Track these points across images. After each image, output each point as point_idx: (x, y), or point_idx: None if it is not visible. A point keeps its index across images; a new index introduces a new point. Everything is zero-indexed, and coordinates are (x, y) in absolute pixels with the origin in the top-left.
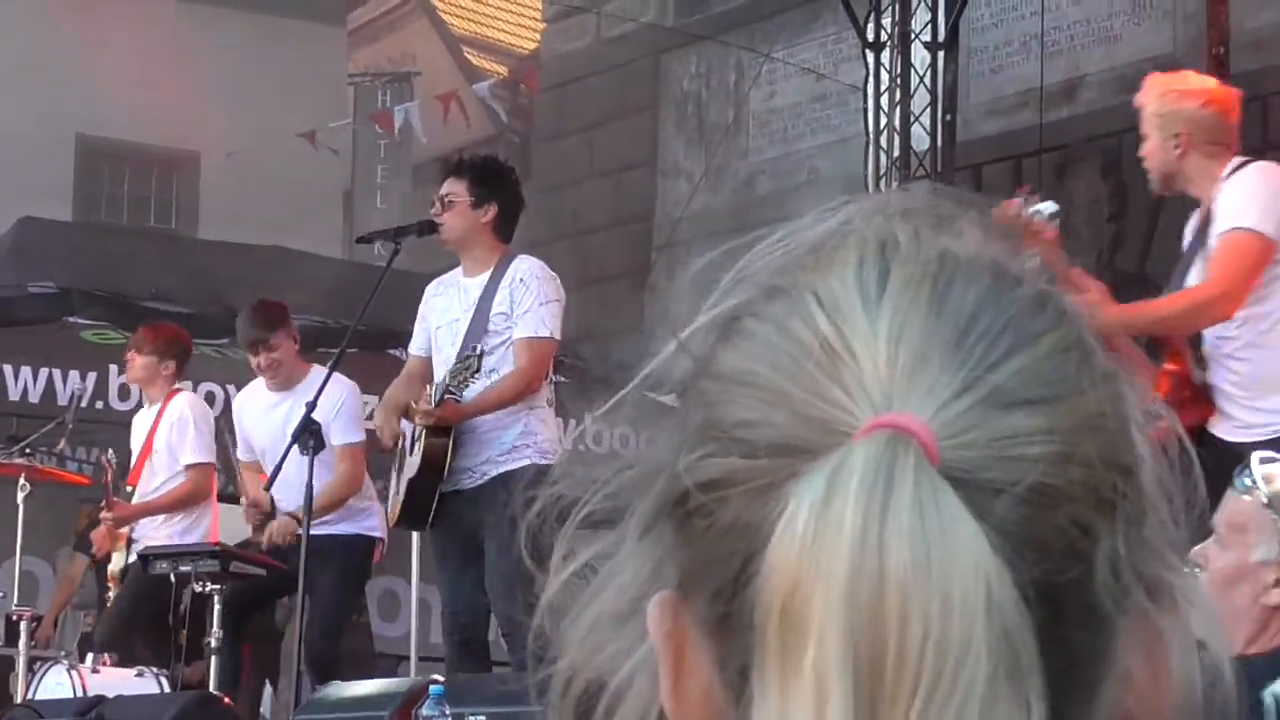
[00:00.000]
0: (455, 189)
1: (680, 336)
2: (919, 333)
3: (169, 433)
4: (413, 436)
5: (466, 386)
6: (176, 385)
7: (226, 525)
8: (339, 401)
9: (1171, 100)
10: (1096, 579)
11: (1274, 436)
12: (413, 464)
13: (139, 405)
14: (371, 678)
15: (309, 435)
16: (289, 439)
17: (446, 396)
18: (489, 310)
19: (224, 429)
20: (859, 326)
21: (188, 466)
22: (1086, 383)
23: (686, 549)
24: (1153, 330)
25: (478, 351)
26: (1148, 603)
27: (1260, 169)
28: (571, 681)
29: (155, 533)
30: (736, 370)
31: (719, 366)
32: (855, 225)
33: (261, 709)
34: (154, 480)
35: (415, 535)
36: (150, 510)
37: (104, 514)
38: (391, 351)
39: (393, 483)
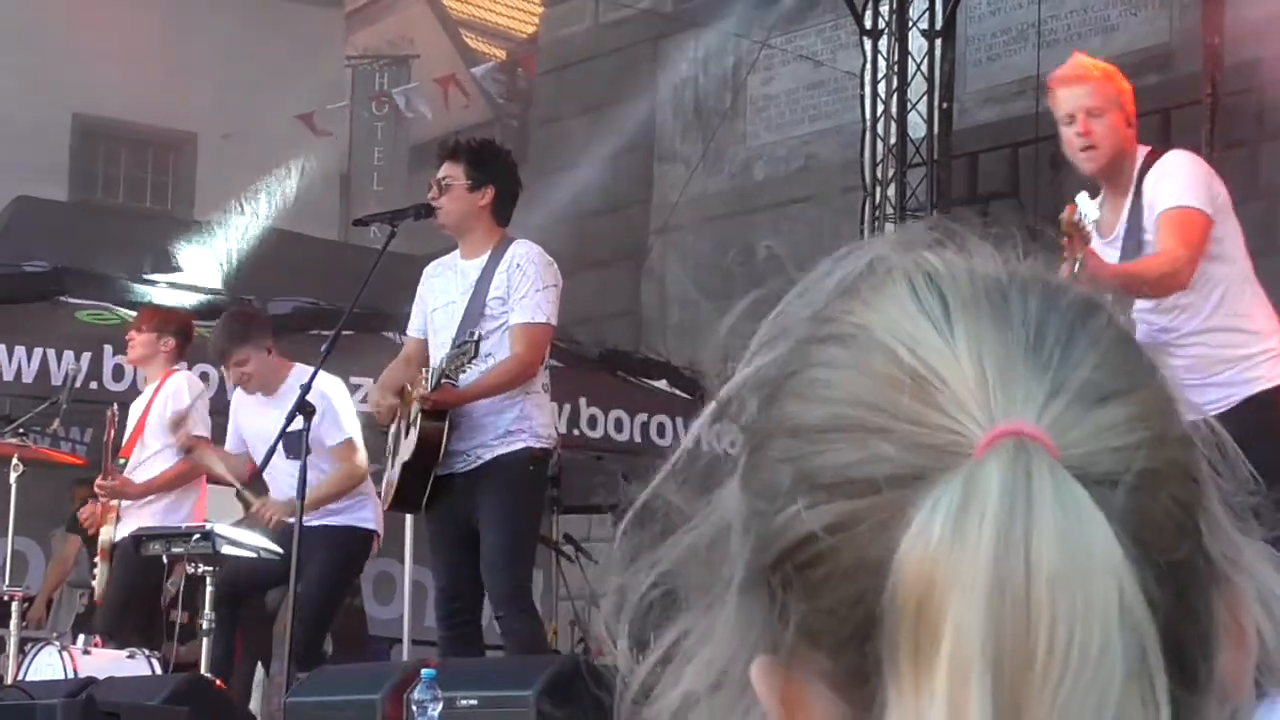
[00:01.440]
0: (452, 172)
1: (717, 402)
2: (997, 346)
3: (163, 406)
4: (408, 420)
5: (463, 371)
6: (176, 366)
7: (217, 507)
8: (324, 402)
9: (1119, 80)
10: (1205, 551)
11: (1228, 409)
12: (408, 447)
13: (133, 385)
14: (365, 660)
15: (308, 419)
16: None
17: (443, 381)
18: (486, 294)
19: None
20: (938, 351)
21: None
22: (1148, 368)
23: (803, 603)
24: (1121, 289)
25: (475, 337)
26: (1231, 567)
27: (1188, 156)
28: None
29: (140, 510)
30: (818, 420)
31: (791, 422)
32: (888, 261)
33: (253, 690)
34: (145, 452)
35: (409, 518)
36: (154, 488)
37: (100, 481)
38: (387, 334)
39: (387, 466)
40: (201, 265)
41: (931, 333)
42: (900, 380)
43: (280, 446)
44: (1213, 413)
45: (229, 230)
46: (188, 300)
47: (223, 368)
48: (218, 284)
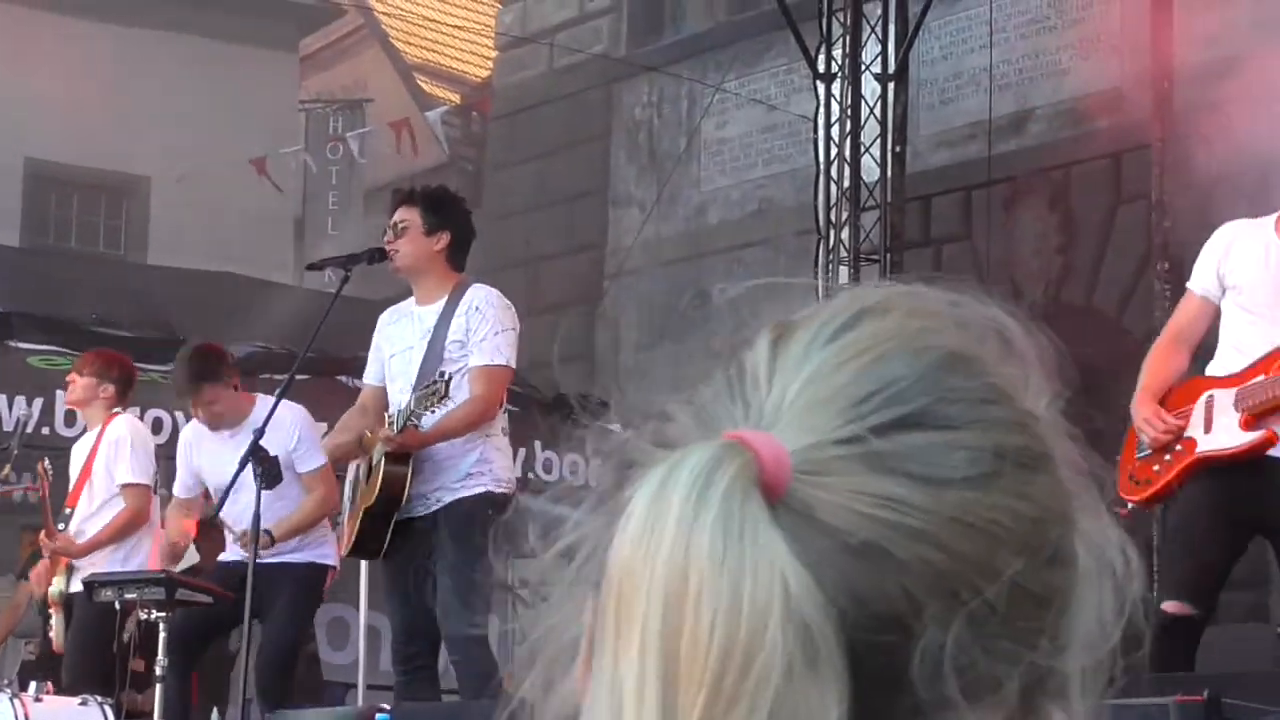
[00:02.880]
0: (408, 216)
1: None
2: (832, 385)
3: (107, 454)
4: (368, 466)
5: (433, 411)
6: (116, 410)
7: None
8: (295, 430)
9: None
10: (909, 652)
11: None
12: (369, 492)
13: (84, 431)
14: (319, 705)
15: (262, 465)
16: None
17: (409, 423)
18: (444, 338)
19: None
20: (789, 364)
21: (124, 486)
22: (1001, 490)
23: (604, 538)
24: None
25: (445, 377)
26: (959, 696)
27: None
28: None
29: (95, 558)
30: (700, 390)
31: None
32: (860, 289)
33: None
34: (93, 503)
35: (364, 563)
36: (97, 544)
37: (44, 540)
38: (341, 379)
39: (344, 511)
40: (154, 310)
41: (800, 349)
42: (746, 372)
43: (248, 480)
44: None
45: (182, 274)
46: (139, 345)
47: (192, 406)
48: (170, 329)
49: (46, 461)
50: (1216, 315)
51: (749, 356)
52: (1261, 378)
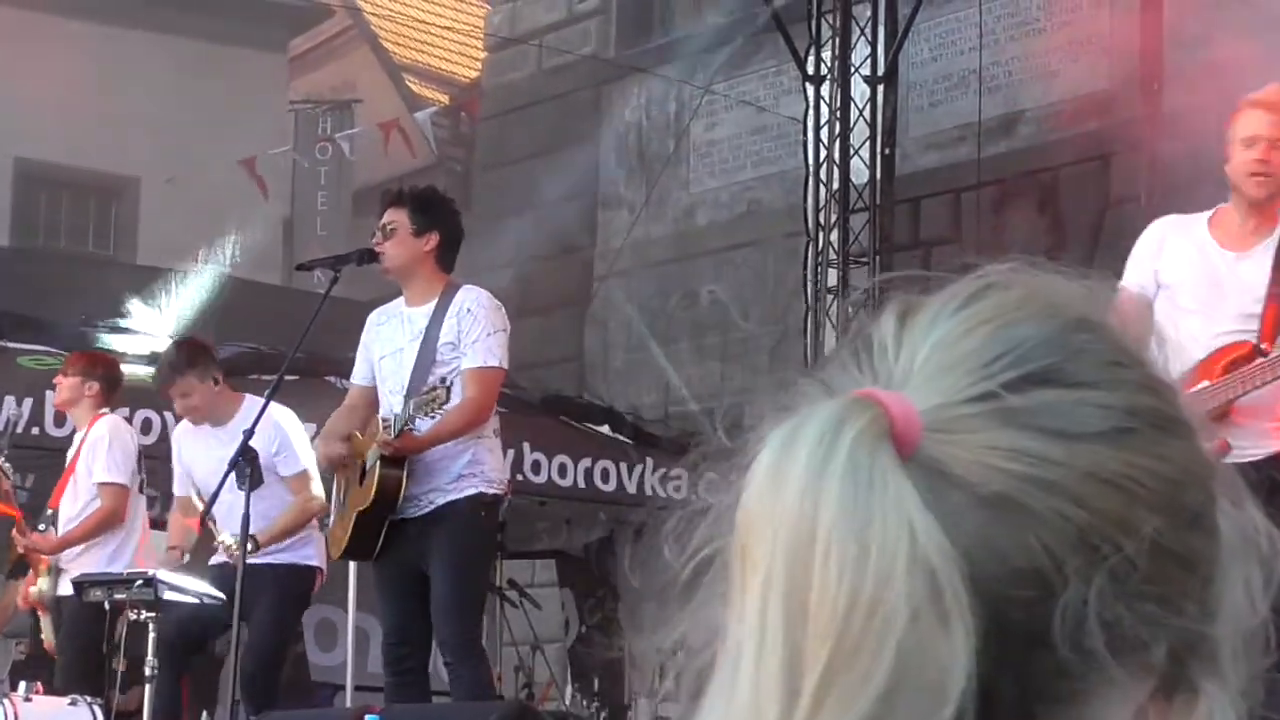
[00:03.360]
0: (396, 217)
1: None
2: (962, 350)
3: (88, 454)
4: (361, 468)
5: (432, 416)
6: (103, 410)
7: (160, 553)
8: (276, 434)
9: None
10: (1052, 607)
11: None
12: (363, 495)
13: (74, 433)
14: (308, 707)
15: (246, 466)
16: (224, 474)
17: (405, 428)
18: (436, 340)
19: (164, 457)
20: (915, 332)
21: (100, 485)
22: (1136, 449)
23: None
24: None
25: (446, 383)
26: (1105, 652)
27: None
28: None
29: (80, 559)
30: (822, 365)
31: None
32: (985, 269)
33: None
34: (76, 503)
35: (353, 565)
36: (69, 542)
37: (15, 537)
38: (330, 379)
39: (332, 514)
40: (143, 310)
41: (926, 318)
42: (872, 342)
43: (233, 480)
44: None
45: (171, 275)
46: (129, 345)
47: (167, 397)
48: (160, 329)
49: (6, 465)
50: (1150, 312)
51: (875, 330)
52: (1206, 383)
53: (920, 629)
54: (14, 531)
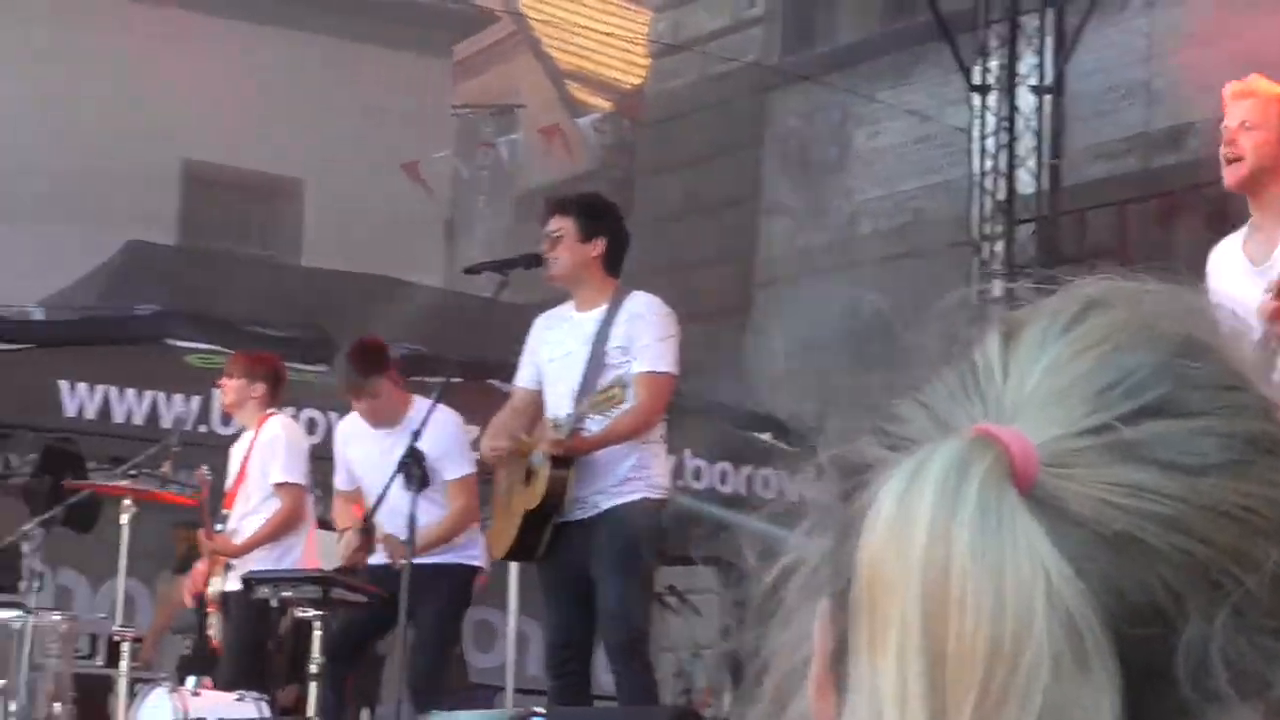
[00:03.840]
0: (563, 224)
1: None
2: (1073, 374)
3: (261, 455)
4: (525, 469)
5: (604, 416)
6: (271, 410)
7: (324, 551)
8: (446, 436)
9: None
10: (1174, 645)
11: None
12: (531, 495)
13: (241, 430)
14: (467, 708)
15: (414, 468)
16: (393, 471)
17: (576, 428)
18: (606, 344)
19: (326, 455)
20: (1023, 356)
21: (277, 485)
22: (1255, 479)
23: (840, 545)
24: None
25: (622, 383)
26: (1229, 690)
27: None
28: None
29: (252, 556)
30: (921, 385)
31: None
32: (1082, 283)
33: None
34: (249, 503)
35: (514, 566)
36: (255, 544)
37: (202, 539)
38: (491, 382)
39: (495, 516)
40: (307, 310)
41: (1034, 342)
42: (978, 367)
43: (400, 480)
44: None
45: (333, 276)
46: (292, 345)
47: (355, 400)
48: (323, 329)
49: (205, 468)
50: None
51: (979, 353)
52: None
53: (1063, 678)
54: (200, 532)
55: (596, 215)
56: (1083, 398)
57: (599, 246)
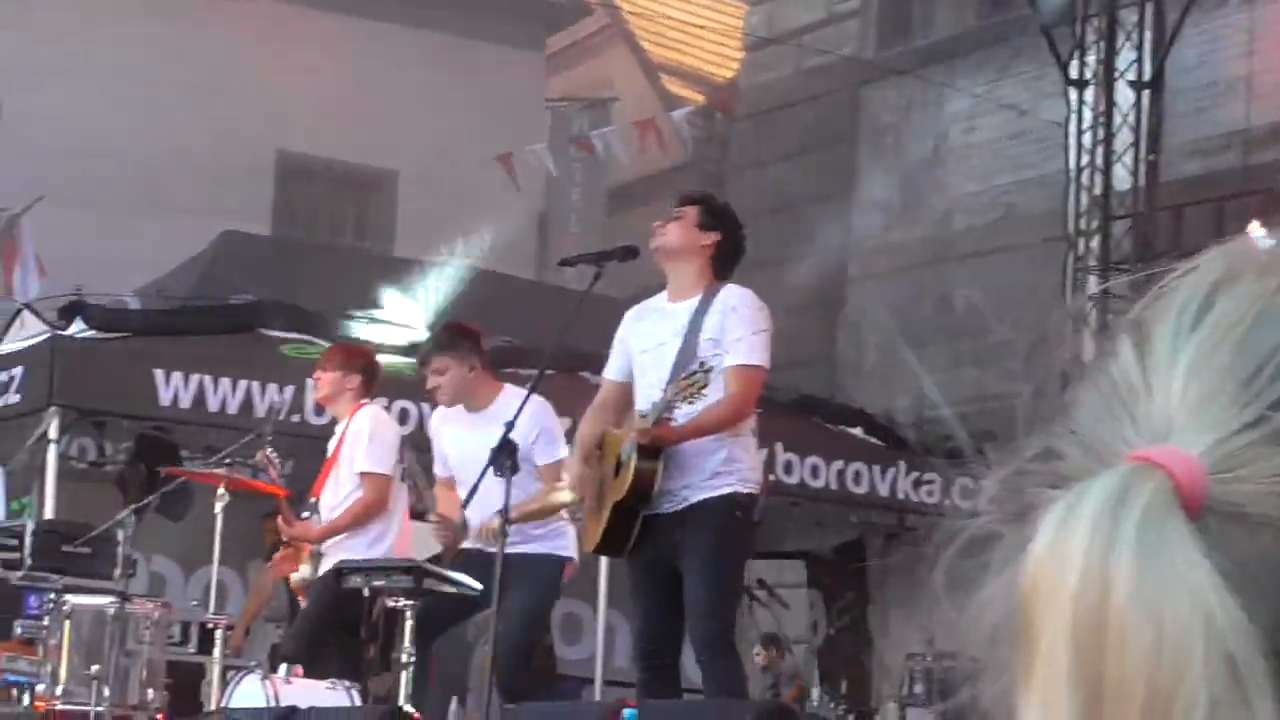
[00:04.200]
0: (688, 209)
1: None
2: (1215, 370)
3: (350, 445)
4: (616, 461)
5: (691, 402)
6: (364, 401)
7: (418, 542)
8: (537, 422)
9: None
10: None
11: None
12: (617, 487)
13: (334, 420)
14: (554, 699)
15: (506, 456)
16: (486, 459)
17: (663, 416)
18: (699, 335)
19: (423, 447)
20: (1162, 363)
21: (362, 474)
22: None
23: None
24: None
25: (704, 367)
26: None
27: None
28: None
29: (341, 545)
30: (1072, 415)
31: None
32: (1202, 264)
33: None
34: (339, 493)
35: (604, 560)
36: (333, 531)
37: (281, 526)
38: (582, 374)
39: (586, 511)
40: (400, 302)
41: (1167, 344)
42: (1120, 385)
43: (491, 466)
44: None
45: (428, 268)
46: (386, 336)
47: (420, 370)
48: (416, 321)
49: (270, 449)
50: None
51: (1114, 366)
52: None
53: (1220, 715)
54: (279, 518)
55: (720, 214)
56: (1231, 395)
57: (712, 239)
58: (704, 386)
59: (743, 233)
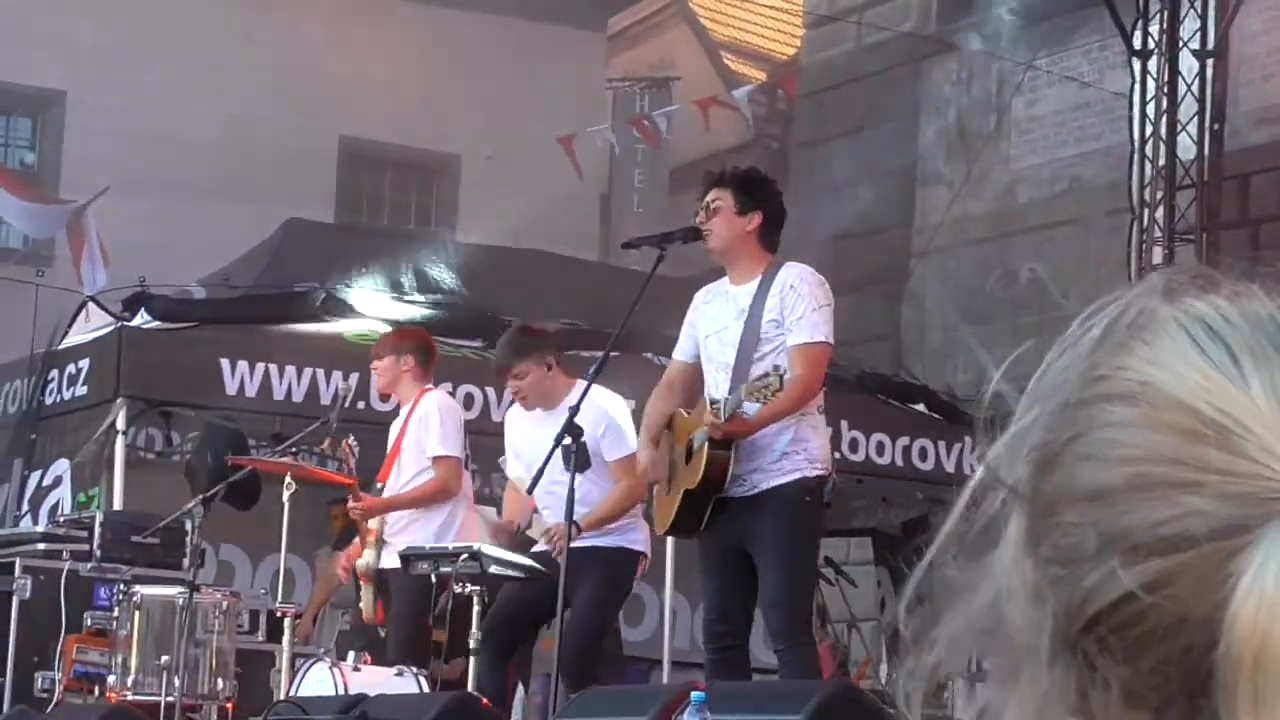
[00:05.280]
0: (720, 196)
1: (982, 473)
2: None
3: (417, 429)
4: (687, 448)
5: (764, 402)
6: (428, 385)
7: (483, 528)
8: (604, 418)
9: None
10: None
11: None
12: (690, 474)
13: (399, 406)
14: (620, 681)
15: (572, 447)
16: (546, 456)
17: (736, 412)
18: (761, 318)
19: (486, 432)
20: (1235, 400)
21: (434, 459)
22: None
23: (1123, 665)
24: None
25: (780, 370)
26: None
27: None
28: None
29: (406, 532)
30: (1117, 482)
31: (1087, 486)
32: (1154, 312)
33: (513, 709)
34: (402, 476)
35: (669, 541)
36: (400, 504)
37: (350, 505)
38: (646, 355)
39: (655, 491)
40: (463, 285)
41: (1224, 382)
42: (1201, 433)
43: (557, 463)
44: None
45: (491, 251)
46: (451, 321)
47: (503, 380)
48: (478, 303)
49: (352, 438)
50: None
51: (1174, 421)
52: None
53: None
54: (349, 500)
55: (754, 189)
56: None
57: (755, 220)
58: (777, 391)
59: (779, 194)
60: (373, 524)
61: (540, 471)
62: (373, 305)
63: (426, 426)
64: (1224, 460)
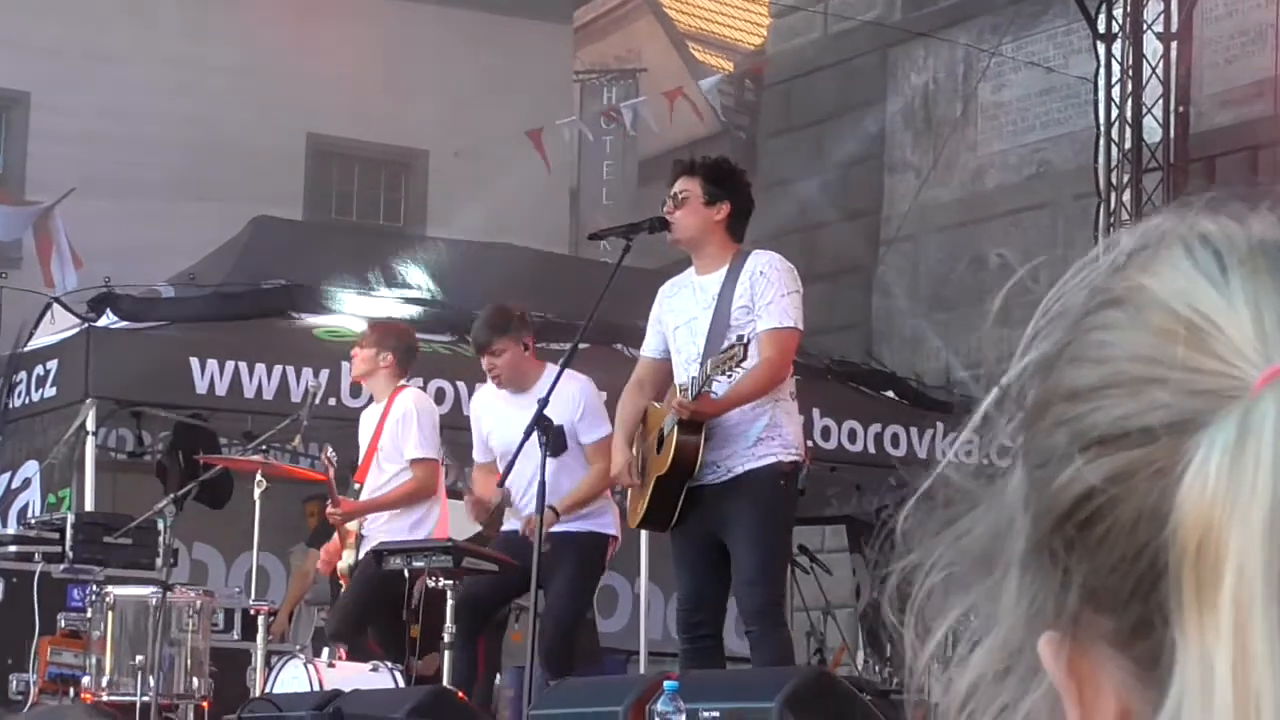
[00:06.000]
0: (689, 186)
1: (999, 390)
2: (1275, 297)
3: (394, 429)
4: (658, 435)
5: (728, 376)
6: (403, 382)
7: (456, 521)
8: (579, 400)
9: None
10: None
11: None
12: (660, 461)
13: (370, 402)
14: (597, 671)
15: (545, 434)
16: (519, 445)
17: (703, 390)
18: (730, 305)
19: (458, 426)
20: (1214, 303)
21: (412, 461)
22: None
23: (1085, 563)
24: None
25: (743, 340)
26: None
27: None
28: None
29: (384, 529)
30: (1094, 380)
31: (1067, 387)
32: (1162, 229)
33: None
34: (381, 476)
35: (644, 534)
36: (377, 506)
37: (330, 510)
38: (617, 346)
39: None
40: (432, 280)
41: (1207, 286)
42: (1175, 331)
43: (530, 448)
44: None
45: (460, 246)
46: (421, 316)
47: (481, 357)
48: (448, 298)
49: (330, 450)
50: None
51: (1154, 321)
52: None
53: None
54: (328, 501)
55: (723, 180)
56: None
57: (723, 210)
58: (741, 360)
59: (747, 184)
60: (351, 526)
61: (511, 462)
62: (342, 301)
63: (405, 428)
64: (1191, 358)
